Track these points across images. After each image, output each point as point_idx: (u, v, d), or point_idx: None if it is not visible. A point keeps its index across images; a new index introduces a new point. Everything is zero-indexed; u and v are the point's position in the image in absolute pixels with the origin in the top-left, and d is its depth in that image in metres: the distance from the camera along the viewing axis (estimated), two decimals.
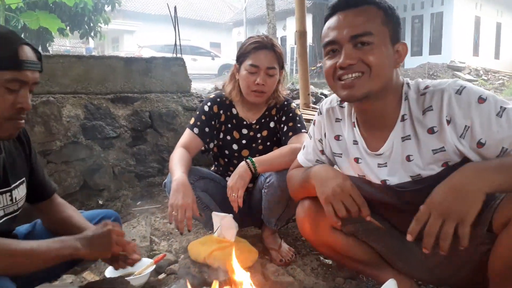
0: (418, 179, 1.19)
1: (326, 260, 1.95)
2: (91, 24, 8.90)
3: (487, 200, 1.12)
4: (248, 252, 1.69)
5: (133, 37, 23.46)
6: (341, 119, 1.38)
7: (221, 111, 2.00)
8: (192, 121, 1.99)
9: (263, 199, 1.84)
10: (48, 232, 1.41)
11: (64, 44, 21.00)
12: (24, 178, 1.29)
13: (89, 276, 1.84)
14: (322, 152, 1.46)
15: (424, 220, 1.04)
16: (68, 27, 8.31)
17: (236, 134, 2.00)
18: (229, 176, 1.88)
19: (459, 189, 1.00)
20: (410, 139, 1.18)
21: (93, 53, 18.90)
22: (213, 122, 1.99)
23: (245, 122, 2.00)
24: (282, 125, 1.96)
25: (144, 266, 1.73)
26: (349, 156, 1.35)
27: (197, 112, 2.00)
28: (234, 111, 2.01)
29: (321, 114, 1.44)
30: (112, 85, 2.85)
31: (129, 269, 1.76)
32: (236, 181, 1.70)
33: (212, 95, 2.06)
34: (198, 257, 1.70)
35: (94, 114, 2.69)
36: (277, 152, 1.82)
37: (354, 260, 1.48)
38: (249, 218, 2.06)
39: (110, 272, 1.70)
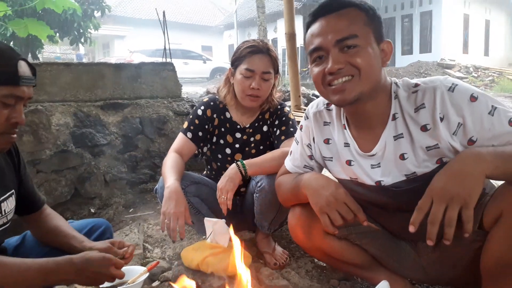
0: (413, 178, 1.19)
1: (321, 263, 1.94)
2: (81, 30, 8.84)
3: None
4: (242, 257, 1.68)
5: (124, 42, 23.40)
6: (329, 122, 1.37)
7: (215, 115, 1.98)
8: (185, 125, 1.97)
9: (255, 203, 1.83)
10: (38, 243, 1.40)
11: (54, 51, 20.90)
12: (13, 190, 1.28)
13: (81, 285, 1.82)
14: (311, 157, 1.44)
15: (426, 208, 1.02)
16: (57, 34, 8.25)
17: (229, 138, 1.99)
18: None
19: (459, 173, 1.01)
20: (402, 137, 1.18)
21: (84, 59, 18.82)
22: (206, 126, 1.97)
23: (238, 126, 1.98)
24: (275, 129, 1.96)
25: (138, 274, 1.71)
26: (340, 159, 1.33)
27: (190, 116, 1.98)
28: (227, 115, 2.00)
29: (308, 118, 1.43)
30: (101, 92, 2.83)
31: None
32: (226, 183, 1.69)
33: (205, 99, 2.04)
34: (191, 263, 1.68)
35: (84, 121, 2.67)
36: (268, 156, 1.81)
37: (348, 264, 1.48)
38: (243, 222, 2.05)
39: None
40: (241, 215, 2.02)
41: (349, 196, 1.24)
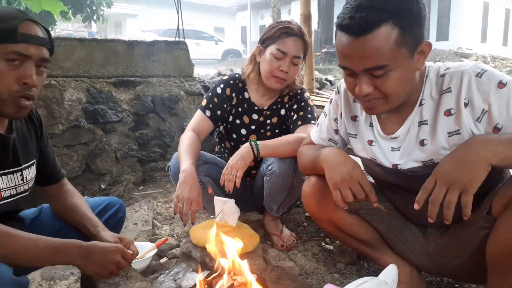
0: (430, 164, 1.19)
1: (328, 246, 1.95)
2: (94, 8, 8.80)
3: (491, 185, 1.11)
4: (250, 237, 1.69)
5: (136, 21, 23.29)
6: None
7: (233, 94, 1.96)
8: (204, 102, 1.95)
9: (264, 186, 1.83)
10: (54, 217, 1.42)
11: (66, 28, 20.87)
12: (34, 160, 1.30)
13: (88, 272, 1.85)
14: (336, 131, 1.46)
15: (430, 188, 1.05)
16: (70, 11, 8.23)
17: (246, 119, 1.98)
18: None
19: (464, 158, 1.01)
20: (426, 123, 1.18)
21: (96, 37, 18.79)
22: (225, 105, 1.95)
23: (256, 107, 1.97)
24: (292, 113, 1.93)
25: (146, 250, 1.74)
26: (363, 137, 1.35)
27: (209, 94, 1.96)
28: (246, 95, 1.98)
29: (338, 93, 1.42)
30: (114, 68, 2.82)
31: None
32: (237, 161, 1.69)
33: (225, 77, 2.02)
34: (199, 241, 1.70)
35: (96, 98, 2.68)
36: (282, 139, 1.80)
37: (356, 239, 1.48)
38: (252, 204, 2.06)
39: None
40: (250, 197, 2.03)
41: (365, 176, 1.24)
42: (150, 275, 1.70)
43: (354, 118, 1.38)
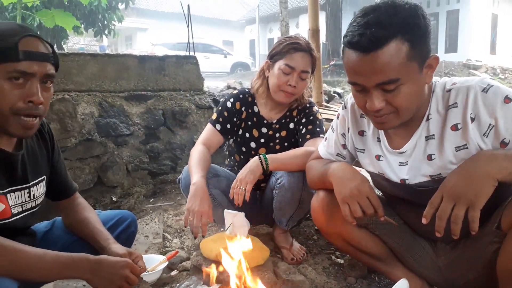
0: (438, 178, 1.19)
1: (338, 260, 1.94)
2: (105, 22, 8.98)
3: (501, 199, 1.11)
4: (260, 250, 1.69)
5: (146, 34, 23.63)
6: (365, 115, 1.36)
7: (243, 108, 1.99)
8: (214, 116, 1.98)
9: (274, 199, 1.84)
10: (66, 231, 1.42)
11: (78, 42, 21.26)
12: (44, 176, 1.30)
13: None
14: (344, 146, 1.47)
15: (437, 203, 1.06)
16: (82, 25, 8.40)
17: (255, 132, 2.00)
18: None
19: (470, 173, 1.02)
20: (433, 138, 1.18)
21: (107, 51, 19.10)
22: (235, 119, 1.98)
23: (265, 121, 1.99)
24: (301, 127, 1.95)
25: (157, 263, 1.75)
26: (371, 152, 1.36)
27: (219, 108, 1.99)
28: (255, 109, 2.00)
29: (345, 108, 1.43)
30: (126, 83, 2.87)
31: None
32: (246, 175, 1.70)
33: (235, 91, 2.05)
34: (210, 254, 1.71)
35: (108, 111, 2.73)
36: (291, 153, 1.81)
37: (366, 254, 1.48)
38: (261, 217, 2.07)
39: None
40: (260, 210, 2.04)
41: (373, 191, 1.25)
42: None
43: (361, 133, 1.39)
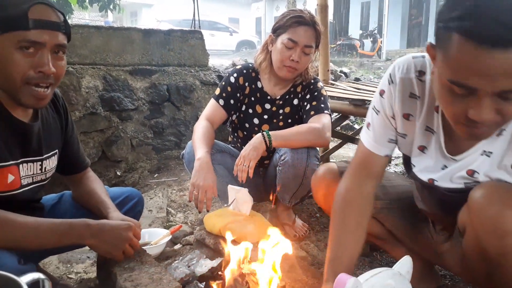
0: (472, 186, 1.03)
1: None
2: None
3: None
4: (263, 225, 1.70)
5: (152, 11, 23.35)
6: (418, 97, 1.09)
7: (247, 84, 1.96)
8: (217, 91, 1.95)
9: (277, 176, 1.83)
10: (74, 204, 1.42)
11: (83, 17, 21.04)
12: (56, 150, 1.29)
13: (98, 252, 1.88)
14: (396, 129, 1.17)
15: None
16: (87, 0, 8.29)
17: (258, 108, 1.97)
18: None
19: None
20: (489, 156, 1.00)
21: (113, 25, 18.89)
22: (238, 94, 1.95)
23: (269, 97, 1.95)
24: (305, 103, 1.91)
25: (161, 237, 1.77)
26: (414, 141, 1.14)
27: (223, 83, 1.96)
28: (259, 84, 1.97)
29: (392, 83, 1.12)
30: (130, 57, 2.84)
31: (145, 239, 1.80)
32: (250, 151, 1.69)
33: (238, 66, 2.02)
34: (213, 229, 1.71)
35: (113, 85, 2.71)
36: (294, 129, 1.79)
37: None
38: (264, 193, 2.06)
39: None
40: (263, 187, 2.03)
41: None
42: (164, 261, 1.72)
43: (406, 116, 1.13)
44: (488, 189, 0.95)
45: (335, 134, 3.14)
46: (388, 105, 1.14)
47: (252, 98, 1.97)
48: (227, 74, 2.00)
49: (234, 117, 2.02)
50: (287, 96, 1.96)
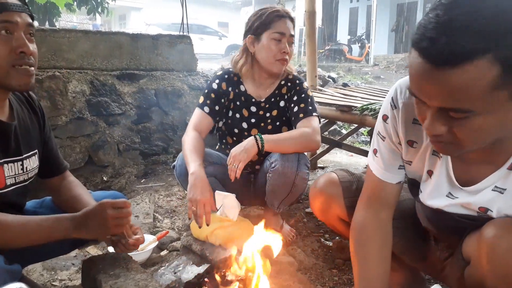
0: (486, 217, 0.98)
1: (327, 242, 1.96)
2: (99, 0, 8.80)
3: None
4: (250, 231, 1.70)
5: (140, 14, 23.28)
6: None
7: (230, 88, 1.96)
8: (201, 100, 1.95)
9: (267, 182, 1.83)
10: (55, 209, 1.40)
11: (71, 20, 20.87)
12: (36, 150, 1.29)
13: (93, 250, 1.87)
14: (401, 155, 1.12)
15: None
16: (75, 3, 8.23)
17: (245, 112, 1.96)
18: None
19: None
20: (502, 193, 0.92)
21: (100, 30, 18.76)
22: (222, 100, 1.95)
23: (253, 100, 1.96)
24: (292, 105, 1.92)
25: (147, 243, 1.76)
26: (421, 167, 1.08)
27: (206, 91, 1.96)
28: (242, 88, 1.97)
29: (396, 108, 1.06)
30: (118, 61, 2.83)
31: None
32: (240, 153, 1.69)
33: (219, 72, 2.02)
34: (200, 235, 1.72)
35: (100, 90, 2.69)
36: (286, 135, 1.81)
37: None
38: (254, 199, 2.07)
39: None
40: (253, 192, 2.04)
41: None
42: (150, 267, 1.72)
43: (410, 144, 1.07)
44: (503, 229, 0.90)
45: (322, 139, 3.17)
46: (393, 131, 1.09)
47: (238, 103, 1.97)
48: (208, 82, 2.01)
49: (221, 123, 2.02)
50: (272, 99, 1.96)
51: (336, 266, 1.75)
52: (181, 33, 3.43)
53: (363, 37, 16.48)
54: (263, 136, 1.73)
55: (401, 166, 1.13)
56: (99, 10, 9.04)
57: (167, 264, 1.68)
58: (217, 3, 27.05)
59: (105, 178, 2.67)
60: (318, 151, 3.25)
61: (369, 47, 15.60)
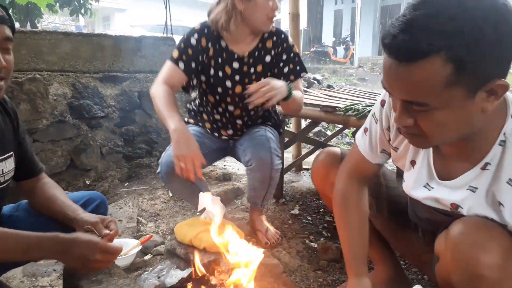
0: (457, 214, 1.00)
1: (312, 244, 1.97)
2: (81, 1, 8.68)
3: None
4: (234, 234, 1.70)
5: (125, 15, 23.04)
6: None
7: (209, 44, 1.81)
8: (175, 54, 1.77)
9: (248, 182, 1.91)
10: (32, 212, 1.38)
11: (53, 21, 20.55)
12: (12, 153, 1.26)
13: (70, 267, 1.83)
14: (390, 141, 1.18)
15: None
16: (57, 3, 8.10)
17: (227, 70, 1.83)
18: (218, 113, 1.90)
19: None
20: (474, 192, 0.95)
21: (84, 31, 18.53)
22: (200, 57, 1.79)
23: (236, 55, 1.83)
24: (282, 64, 1.87)
25: (130, 247, 1.73)
26: (406, 155, 1.12)
27: (181, 45, 1.78)
28: (222, 43, 1.83)
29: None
30: (100, 63, 2.79)
31: None
32: (278, 88, 1.64)
33: (197, 26, 1.84)
34: (184, 238, 1.70)
35: (82, 93, 2.65)
36: (297, 94, 1.81)
37: None
38: (218, 158, 2.12)
39: None
40: (222, 155, 2.09)
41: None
42: (134, 272, 1.69)
43: (400, 130, 1.10)
44: (468, 227, 0.93)
45: (307, 140, 3.18)
46: (386, 116, 1.15)
47: (219, 60, 1.83)
48: (184, 36, 1.83)
49: (195, 81, 1.88)
50: (256, 53, 1.86)
51: (321, 268, 1.76)
52: (165, 35, 3.40)
53: (348, 39, 16.65)
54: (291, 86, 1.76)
55: (383, 151, 1.20)
56: (82, 11, 8.93)
57: (150, 268, 1.66)
58: (202, 5, 26.88)
59: (87, 182, 2.63)
60: (303, 152, 3.26)
61: (353, 49, 15.76)
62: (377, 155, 1.21)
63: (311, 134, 3.97)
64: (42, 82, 2.45)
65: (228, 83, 1.85)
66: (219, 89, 1.86)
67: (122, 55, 2.89)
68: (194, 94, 2.05)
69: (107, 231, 1.26)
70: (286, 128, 2.62)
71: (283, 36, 1.88)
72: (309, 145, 3.49)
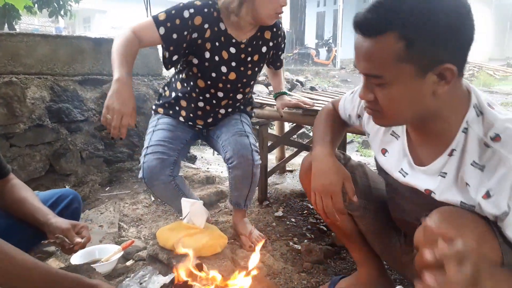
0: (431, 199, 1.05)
1: (295, 246, 1.97)
2: (61, 2, 8.51)
3: None
4: (218, 238, 1.68)
5: (105, 17, 22.75)
6: None
7: (206, 25, 1.72)
8: (162, 16, 1.65)
9: (229, 181, 1.91)
10: (1, 214, 1.34)
11: (32, 22, 20.14)
12: None
13: (54, 263, 1.79)
14: (359, 117, 1.31)
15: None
16: (36, 5, 7.93)
17: (224, 54, 1.78)
18: (203, 100, 1.87)
19: None
20: (444, 177, 1.01)
21: (63, 33, 18.20)
22: (185, 32, 1.68)
23: (234, 40, 1.78)
24: (280, 53, 2.04)
25: (112, 253, 1.71)
26: (378, 143, 1.22)
27: (172, 11, 1.67)
28: (222, 26, 1.75)
29: None
30: (80, 66, 2.74)
31: (96, 256, 1.73)
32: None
33: (198, 2, 1.71)
34: (166, 243, 1.68)
35: (61, 96, 2.59)
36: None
37: (336, 227, 1.48)
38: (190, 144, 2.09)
39: (75, 259, 1.66)
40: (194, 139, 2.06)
41: (339, 192, 1.19)
42: (115, 278, 1.66)
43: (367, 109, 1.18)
44: (445, 216, 0.93)
45: (291, 143, 3.19)
46: (358, 103, 1.29)
47: (216, 43, 1.76)
48: (181, 4, 1.70)
49: (175, 57, 1.74)
50: (254, 42, 1.84)
51: (305, 270, 1.76)
52: None
53: (330, 41, 16.80)
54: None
55: (359, 117, 1.32)
56: (62, 12, 8.76)
57: (132, 274, 1.63)
58: None
59: (67, 187, 2.58)
60: (287, 155, 3.27)
61: (336, 50, 15.91)
62: (353, 118, 1.35)
63: (294, 136, 3.99)
64: (19, 85, 2.39)
65: (224, 69, 1.79)
66: (213, 74, 1.79)
67: (103, 57, 2.84)
68: (173, 79, 1.97)
69: (79, 239, 1.24)
70: (269, 131, 2.62)
71: (280, 26, 1.94)
72: (292, 148, 3.50)
